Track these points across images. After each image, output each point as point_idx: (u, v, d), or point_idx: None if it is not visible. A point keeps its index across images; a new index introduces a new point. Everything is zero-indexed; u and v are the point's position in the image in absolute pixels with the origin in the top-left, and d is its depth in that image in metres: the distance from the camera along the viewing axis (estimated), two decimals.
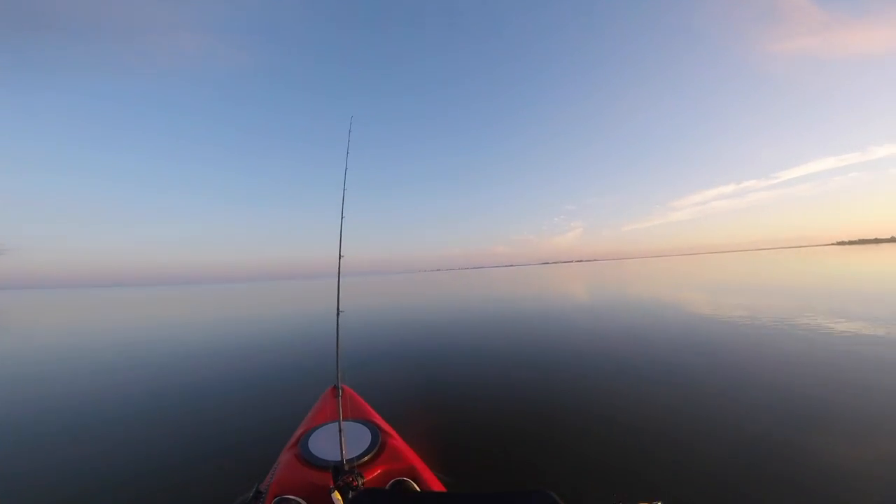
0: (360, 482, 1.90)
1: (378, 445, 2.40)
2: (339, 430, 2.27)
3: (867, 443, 3.38)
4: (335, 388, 3.41)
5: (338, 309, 2.89)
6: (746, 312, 10.55)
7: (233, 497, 2.92)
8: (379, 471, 2.19)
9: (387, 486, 2.02)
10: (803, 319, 9.06)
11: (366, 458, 2.27)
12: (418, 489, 2.01)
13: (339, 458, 2.14)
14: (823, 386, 4.76)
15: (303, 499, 1.97)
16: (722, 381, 5.19)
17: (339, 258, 2.98)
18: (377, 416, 3.03)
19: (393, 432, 2.73)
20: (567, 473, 3.16)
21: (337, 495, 1.81)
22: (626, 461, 3.30)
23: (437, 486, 2.17)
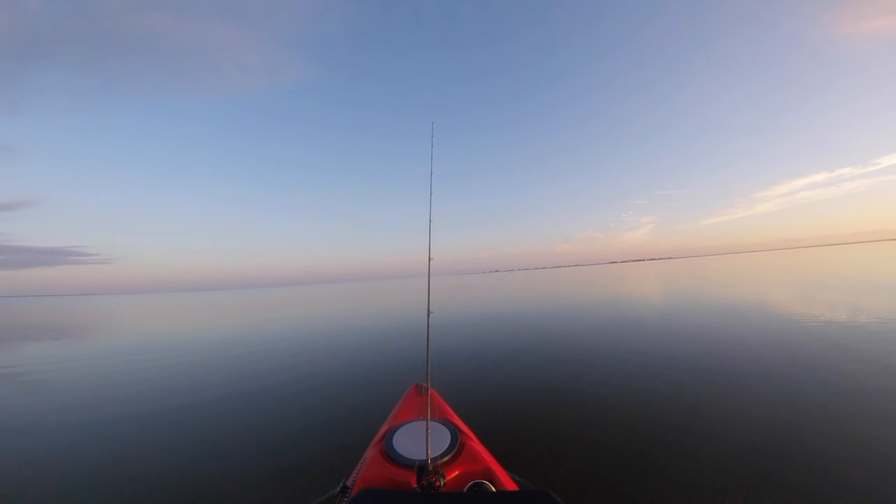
0: (441, 482, 1.90)
1: (457, 446, 2.39)
2: (427, 430, 2.28)
3: None
4: (418, 386, 3.47)
5: (428, 309, 2.94)
6: (845, 314, 9.34)
7: (321, 490, 3.08)
8: (458, 472, 2.18)
9: (465, 489, 1.98)
10: None
11: (446, 459, 2.27)
12: (494, 490, 1.96)
13: (423, 458, 2.15)
14: None
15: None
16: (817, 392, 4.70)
17: (429, 260, 3.04)
18: (456, 416, 3.02)
19: (471, 433, 2.71)
20: (639, 483, 3.06)
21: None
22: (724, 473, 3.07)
23: (512, 486, 2.13)
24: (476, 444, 2.52)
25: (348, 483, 2.14)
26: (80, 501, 3.35)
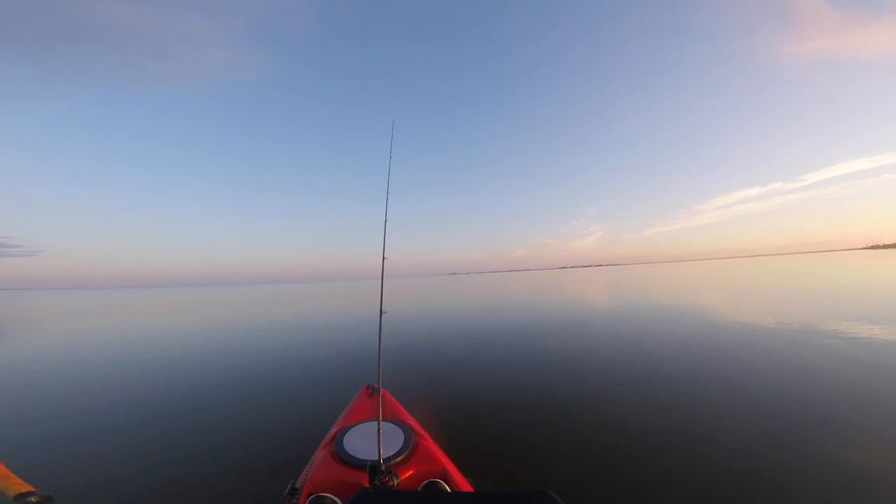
0: (395, 482, 1.89)
1: (411, 446, 2.40)
2: (378, 430, 2.26)
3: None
4: (369, 387, 3.44)
5: (381, 310, 2.91)
6: (770, 319, 10.24)
7: (269, 493, 2.99)
8: (412, 472, 2.19)
9: (419, 488, 2.02)
10: (830, 326, 8.73)
11: (399, 459, 2.27)
12: (449, 490, 2.00)
13: (375, 458, 2.13)
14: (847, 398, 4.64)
15: (337, 497, 1.98)
16: (742, 388, 5.12)
17: (383, 260, 3.01)
18: (410, 417, 3.02)
19: (425, 434, 2.73)
20: (597, 480, 3.16)
21: None
22: (659, 468, 3.27)
23: (467, 488, 2.15)
24: (430, 445, 2.53)
25: (297, 485, 2.10)
26: None
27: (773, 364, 6.14)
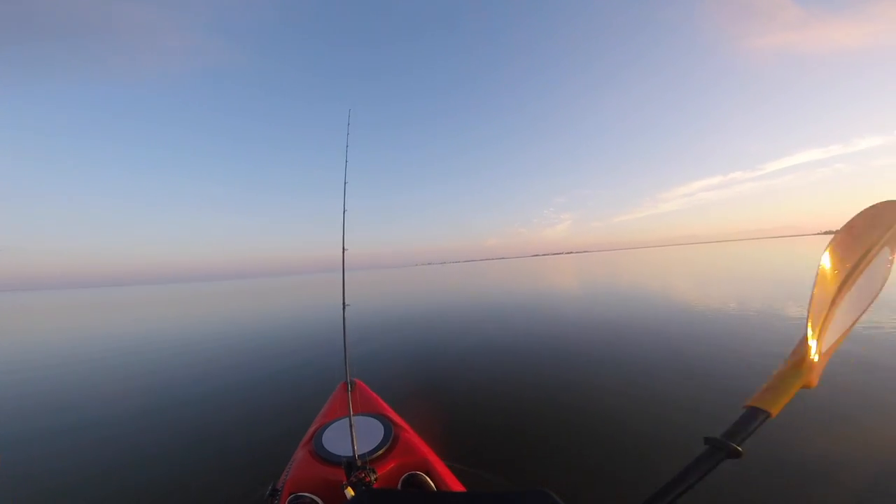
0: (372, 477, 1.84)
1: (391, 439, 2.37)
2: (350, 426, 2.22)
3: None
4: (347, 382, 3.38)
5: (343, 303, 2.83)
6: (734, 303, 10.76)
7: (249, 496, 2.94)
8: (392, 465, 2.16)
9: (400, 480, 1.99)
10: (790, 309, 9.25)
11: (379, 453, 2.23)
12: (431, 482, 1.99)
13: (352, 454, 2.10)
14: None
15: (317, 496, 1.94)
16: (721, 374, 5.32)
17: (343, 251, 2.92)
18: (390, 409, 2.97)
19: (406, 426, 2.69)
20: (575, 471, 3.19)
21: (350, 491, 1.77)
22: (635, 460, 3.35)
23: (450, 478, 2.13)
24: (411, 436, 2.50)
25: (278, 485, 2.05)
26: None
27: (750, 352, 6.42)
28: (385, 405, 3.04)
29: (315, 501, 1.93)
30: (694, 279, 18.62)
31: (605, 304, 11.95)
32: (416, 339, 8.62)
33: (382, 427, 2.50)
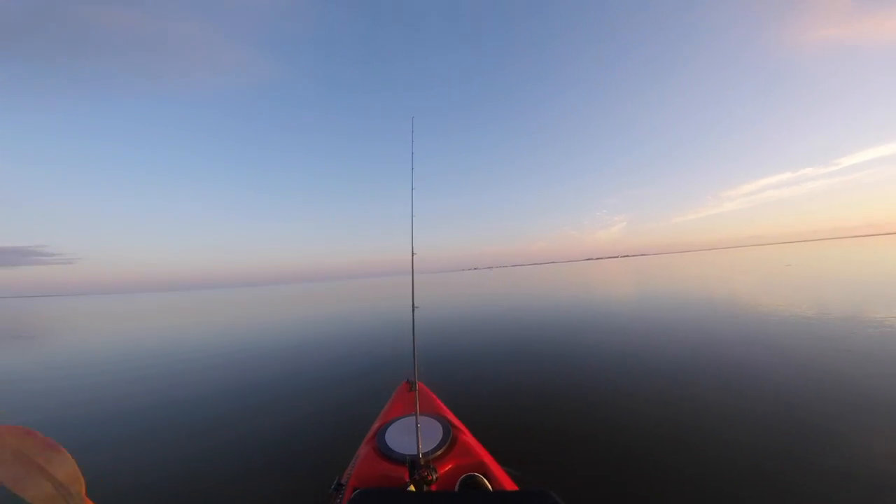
0: (433, 476, 1.90)
1: (450, 440, 2.41)
2: (416, 425, 2.31)
3: None
4: (409, 382, 3.48)
5: (413, 305, 2.93)
6: (812, 311, 9.79)
7: (316, 488, 3.06)
8: (450, 465, 2.20)
9: (458, 481, 2.02)
10: (871, 315, 8.30)
11: (438, 453, 2.29)
12: (488, 484, 2.00)
13: (414, 452, 2.18)
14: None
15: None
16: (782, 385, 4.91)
17: (412, 255, 3.03)
18: (448, 411, 3.04)
19: (463, 428, 2.73)
20: (636, 480, 3.10)
21: (411, 489, 1.82)
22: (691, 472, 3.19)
23: (506, 481, 2.15)
24: (469, 438, 2.54)
25: (343, 480, 2.14)
26: None
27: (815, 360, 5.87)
28: (443, 406, 3.10)
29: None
30: (772, 283, 17.18)
31: (670, 312, 11.31)
32: (474, 343, 8.64)
33: (441, 428, 2.55)
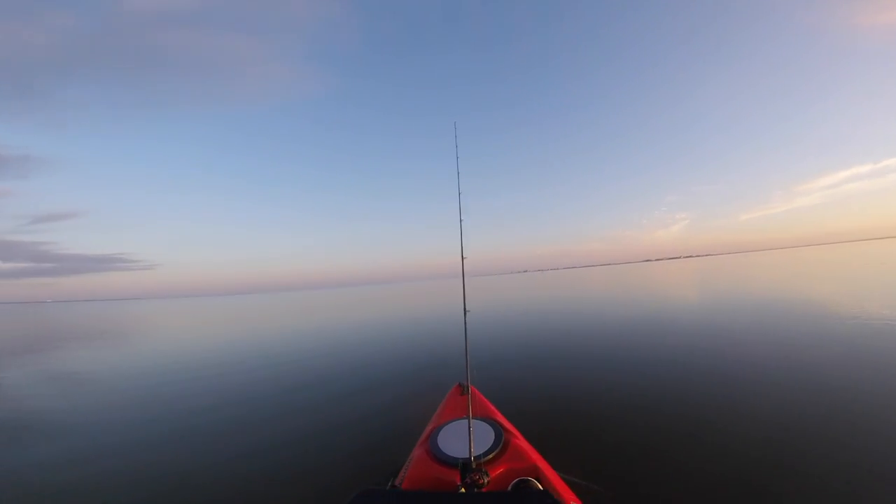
0: (485, 480, 1.91)
1: (502, 444, 2.41)
2: (469, 429, 2.30)
3: None
4: (460, 385, 3.50)
5: (464, 308, 2.95)
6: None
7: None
8: (502, 469, 2.19)
9: (510, 485, 1.99)
10: None
11: (490, 456, 2.29)
12: (541, 488, 1.97)
13: (466, 456, 2.18)
14: None
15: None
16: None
17: (462, 259, 3.04)
18: (500, 415, 3.03)
19: (516, 432, 2.71)
20: (691, 486, 2.97)
21: (463, 492, 1.82)
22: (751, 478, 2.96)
23: (561, 486, 2.11)
24: (521, 442, 2.52)
25: (397, 482, 2.17)
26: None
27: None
28: (495, 410, 3.10)
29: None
30: (852, 284, 15.49)
31: (735, 315, 10.52)
32: (526, 346, 8.54)
33: (493, 431, 2.54)
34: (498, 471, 2.17)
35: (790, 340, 7.09)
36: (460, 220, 3.19)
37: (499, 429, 2.57)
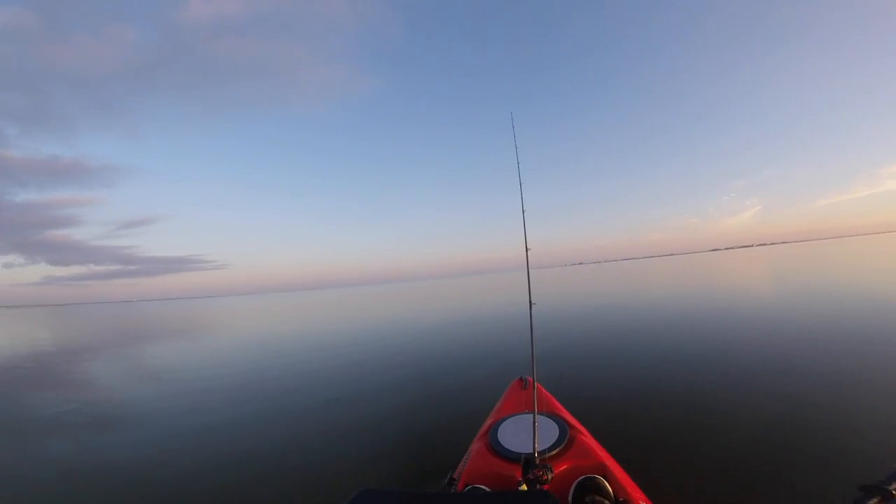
0: (548, 476, 1.83)
1: (566, 440, 2.32)
2: (534, 423, 2.24)
3: None
4: (521, 379, 3.42)
5: (530, 301, 2.87)
6: None
7: (429, 482, 3.16)
8: (566, 466, 2.12)
9: (574, 482, 1.91)
10: None
11: (553, 452, 2.20)
12: (608, 487, 1.88)
13: (529, 451, 2.12)
14: None
15: (491, 489, 1.98)
16: None
17: (526, 251, 2.98)
18: (565, 410, 2.92)
19: (582, 428, 2.60)
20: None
21: (524, 488, 1.76)
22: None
23: (630, 486, 2.01)
24: (588, 439, 2.43)
25: (455, 476, 2.15)
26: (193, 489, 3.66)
27: None
28: (559, 405, 2.99)
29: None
30: None
31: (820, 308, 9.50)
32: (592, 341, 8.30)
33: (557, 427, 2.46)
34: (562, 467, 2.10)
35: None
36: (523, 212, 3.12)
37: (563, 424, 2.49)
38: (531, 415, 2.33)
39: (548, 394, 3.21)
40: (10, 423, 5.93)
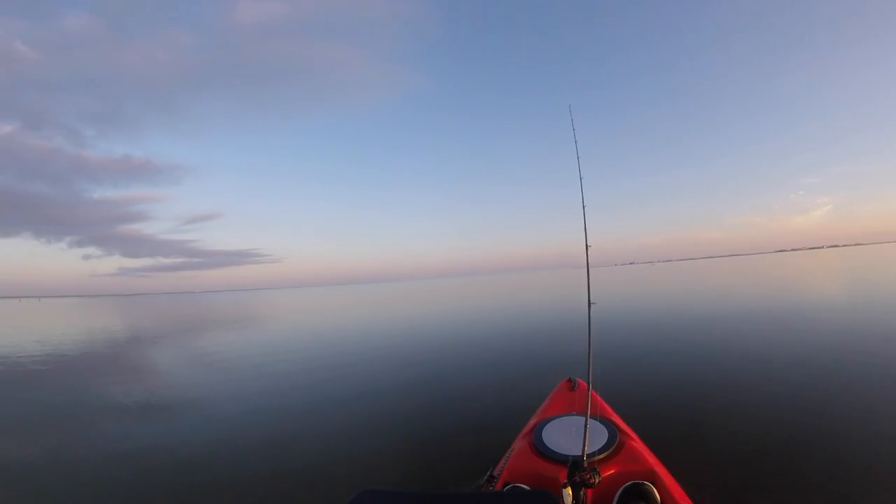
0: (596, 480, 1.76)
1: (616, 444, 2.26)
2: (586, 426, 2.19)
3: None
4: (570, 380, 3.33)
5: (588, 300, 2.77)
6: None
7: (469, 478, 3.08)
8: (614, 470, 2.06)
9: (622, 487, 1.86)
10: None
11: (601, 456, 2.15)
12: (656, 494, 1.82)
13: (578, 454, 2.06)
14: None
15: (532, 489, 1.95)
16: None
17: (587, 248, 2.88)
18: (615, 414, 2.82)
19: (632, 433, 2.53)
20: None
21: (568, 491, 1.69)
22: None
23: (679, 493, 1.93)
24: (638, 445, 2.37)
25: (495, 473, 2.15)
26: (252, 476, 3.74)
27: None
28: (609, 408, 2.88)
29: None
30: None
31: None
32: (646, 344, 7.94)
33: (607, 430, 2.40)
34: (609, 472, 2.04)
35: None
36: (583, 207, 3.02)
37: (613, 428, 2.43)
38: (578, 417, 2.30)
39: (598, 396, 3.09)
40: (70, 402, 6.47)
